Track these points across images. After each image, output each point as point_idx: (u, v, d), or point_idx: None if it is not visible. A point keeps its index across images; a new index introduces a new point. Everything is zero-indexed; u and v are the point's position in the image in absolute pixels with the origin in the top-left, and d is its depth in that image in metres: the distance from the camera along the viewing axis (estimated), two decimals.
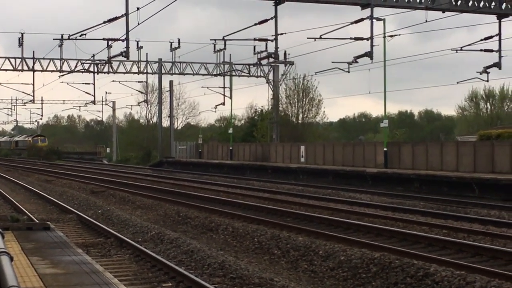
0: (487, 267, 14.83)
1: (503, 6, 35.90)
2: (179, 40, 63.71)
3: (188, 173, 59.27)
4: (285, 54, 57.14)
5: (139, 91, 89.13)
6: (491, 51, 37.44)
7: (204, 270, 15.73)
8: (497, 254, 16.46)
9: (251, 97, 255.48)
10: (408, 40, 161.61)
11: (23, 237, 16.51)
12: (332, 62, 49.15)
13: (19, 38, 59.69)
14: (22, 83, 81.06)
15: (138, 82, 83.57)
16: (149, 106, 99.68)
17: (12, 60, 65.44)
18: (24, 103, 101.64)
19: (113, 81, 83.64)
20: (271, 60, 48.26)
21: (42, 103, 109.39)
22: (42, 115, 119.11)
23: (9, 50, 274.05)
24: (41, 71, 66.94)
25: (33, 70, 66.67)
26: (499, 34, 36.07)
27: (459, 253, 17.13)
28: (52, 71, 67.02)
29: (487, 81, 40.93)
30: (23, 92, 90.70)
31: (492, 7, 35.93)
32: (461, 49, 40.06)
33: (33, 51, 65.53)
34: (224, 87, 69.69)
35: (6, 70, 66.35)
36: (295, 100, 77.15)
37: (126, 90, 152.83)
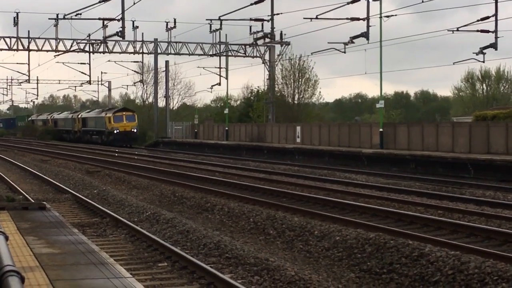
0: (482, 247, 14.86)
1: None
2: (175, 20, 63.91)
3: (184, 153, 59.24)
4: (281, 34, 57.26)
5: (134, 71, 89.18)
6: (487, 31, 37.40)
7: (199, 250, 15.77)
8: (491, 234, 16.51)
9: (247, 77, 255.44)
10: (409, 20, 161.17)
11: (18, 217, 16.49)
12: (328, 43, 49.14)
13: (14, 18, 59.77)
14: (17, 63, 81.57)
15: (134, 62, 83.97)
16: (144, 86, 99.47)
17: (8, 40, 65.59)
18: (20, 82, 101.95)
19: (108, 61, 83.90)
20: (267, 40, 48.26)
21: (37, 83, 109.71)
22: (37, 95, 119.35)
23: (5, 30, 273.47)
24: (37, 50, 67.01)
25: (29, 50, 66.71)
26: (495, 15, 36.04)
27: (454, 233, 17.16)
28: (47, 50, 67.05)
29: (483, 61, 41.01)
30: (18, 71, 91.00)
31: None
32: (458, 30, 40.02)
33: (28, 31, 65.63)
34: (220, 67, 69.84)
35: (1, 49, 66.41)
36: (291, 81, 77.09)
37: (121, 70, 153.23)
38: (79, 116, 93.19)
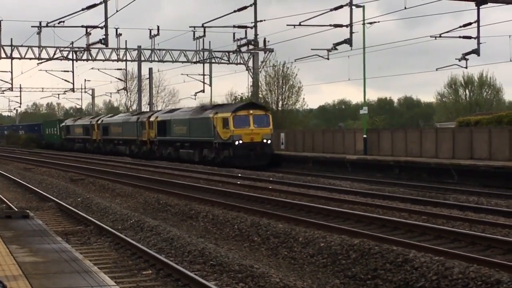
0: (466, 252, 14.93)
1: None
2: (158, 27, 63.45)
3: (168, 161, 59.11)
4: (264, 41, 57.13)
5: (118, 79, 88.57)
6: (470, 38, 37.57)
7: (184, 258, 15.75)
8: (475, 239, 16.57)
9: (231, 84, 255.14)
10: (394, 27, 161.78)
11: (2, 226, 16.43)
12: (312, 49, 49.20)
13: None
14: (0, 71, 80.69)
15: (118, 69, 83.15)
16: (128, 93, 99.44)
17: None
18: (2, 91, 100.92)
19: (92, 68, 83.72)
20: (250, 47, 48.34)
21: (20, 91, 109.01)
22: (20, 103, 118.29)
23: None
24: (19, 58, 66.44)
25: (11, 58, 66.15)
26: (478, 21, 36.16)
27: (438, 239, 17.22)
28: (30, 58, 66.50)
29: (466, 67, 41.06)
30: (1, 80, 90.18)
31: None
32: (440, 36, 40.18)
33: (11, 39, 64.96)
34: (203, 75, 69.54)
35: None
36: (275, 87, 77.13)
37: (105, 78, 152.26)
38: (155, 119, 60.29)
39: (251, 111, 46.94)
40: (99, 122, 73.19)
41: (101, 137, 71.62)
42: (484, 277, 12.32)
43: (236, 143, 44.92)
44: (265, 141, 46.41)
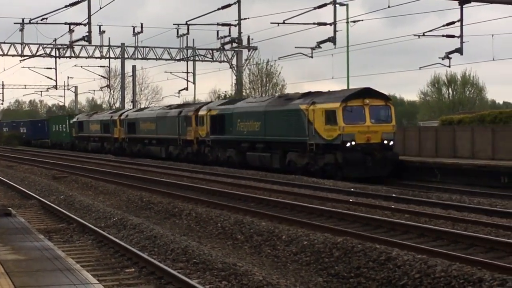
0: (448, 251, 15.01)
1: None
2: (142, 24, 63.52)
3: (151, 159, 58.60)
4: (248, 39, 57.30)
5: (101, 76, 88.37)
6: (453, 36, 37.72)
7: (167, 256, 15.71)
8: (458, 238, 16.65)
9: (214, 82, 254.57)
10: (378, 25, 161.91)
11: None
12: (296, 47, 49.21)
13: None
14: None
15: (101, 67, 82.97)
16: (111, 91, 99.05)
17: None
18: None
19: (75, 66, 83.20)
20: (234, 45, 48.29)
21: (3, 88, 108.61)
22: (3, 100, 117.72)
23: None
24: (2, 55, 66.40)
25: None
26: (461, 20, 36.31)
27: (421, 237, 17.27)
28: (13, 55, 66.54)
29: (449, 66, 41.27)
30: None
31: None
32: (424, 35, 40.32)
33: None
34: (187, 72, 69.80)
35: None
36: (258, 85, 77.32)
37: (88, 75, 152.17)
38: (207, 112, 46.74)
39: (367, 101, 32.95)
40: (122, 117, 60.87)
41: (126, 135, 59.96)
42: (466, 275, 12.37)
43: (348, 145, 32.15)
44: (386, 142, 33.38)
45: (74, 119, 76.08)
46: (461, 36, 36.84)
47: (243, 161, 41.04)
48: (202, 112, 46.71)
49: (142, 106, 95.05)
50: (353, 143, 31.71)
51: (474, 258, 13.89)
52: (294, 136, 35.82)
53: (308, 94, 36.93)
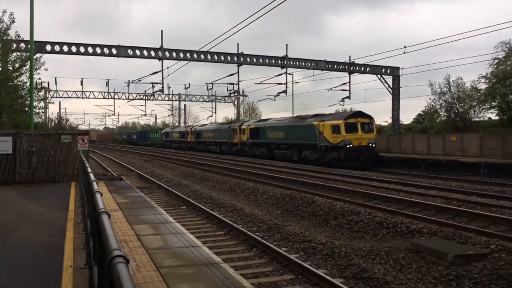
0: (344, 197, 14.63)
1: (351, 68, 36.56)
2: (189, 84, 63.60)
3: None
4: (243, 91, 57.26)
5: (169, 109, 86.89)
6: (345, 90, 37.99)
7: (201, 200, 15.77)
8: (350, 192, 15.88)
9: (225, 112, 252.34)
10: (308, 84, 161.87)
11: (108, 183, 16.39)
12: (266, 95, 49.40)
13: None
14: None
15: (168, 105, 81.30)
16: (174, 117, 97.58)
17: None
18: (107, 115, 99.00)
19: (155, 104, 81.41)
20: (235, 94, 48.22)
21: (119, 116, 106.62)
22: (118, 121, 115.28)
23: None
24: (117, 99, 64.88)
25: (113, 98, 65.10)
26: (349, 82, 36.64)
27: (330, 191, 16.49)
28: (123, 99, 65.28)
29: (343, 105, 41.71)
30: (107, 109, 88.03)
31: (345, 68, 36.61)
32: (331, 89, 40.60)
33: (114, 89, 64.12)
34: (212, 108, 69.46)
35: None
36: (248, 115, 77.57)
37: (161, 109, 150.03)
38: (247, 127, 41.37)
39: (359, 119, 29.25)
40: (192, 129, 56.01)
41: (195, 139, 54.12)
42: (348, 208, 12.50)
43: (347, 146, 28.46)
44: (370, 145, 28.86)
45: (163, 131, 71.32)
46: (349, 90, 37.02)
47: (271, 156, 36.12)
48: (244, 126, 41.86)
49: (189, 124, 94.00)
50: (350, 145, 28.24)
51: (355, 201, 13.82)
52: (308, 141, 31.27)
53: (317, 115, 32.60)
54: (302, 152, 32.11)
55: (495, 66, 34.42)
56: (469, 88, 37.29)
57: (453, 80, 37.78)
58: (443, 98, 38.06)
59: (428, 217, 11.13)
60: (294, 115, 36.75)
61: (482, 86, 35.59)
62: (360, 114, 29.50)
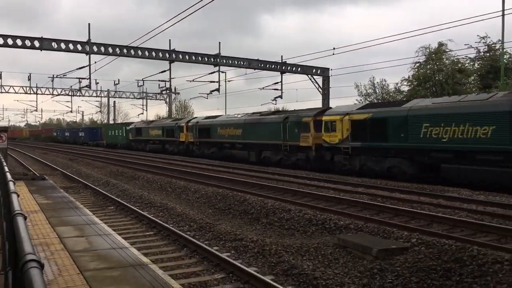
0: (275, 195, 14.83)
1: (283, 67, 37.26)
2: (119, 80, 61.40)
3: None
4: (175, 88, 56.59)
5: (97, 106, 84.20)
6: (277, 89, 38.60)
7: (131, 200, 15.40)
8: (284, 190, 16.15)
9: (157, 110, 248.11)
10: (241, 82, 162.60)
11: (29, 183, 15.55)
12: (199, 93, 49.12)
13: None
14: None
15: (96, 101, 78.57)
16: (102, 114, 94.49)
17: None
18: (31, 111, 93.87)
19: (82, 100, 78.57)
20: (167, 91, 47.43)
21: (41, 112, 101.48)
22: (42, 118, 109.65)
23: None
24: (40, 94, 61.61)
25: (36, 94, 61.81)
26: (281, 81, 37.32)
27: (262, 189, 16.68)
28: (46, 94, 61.99)
29: (275, 104, 42.31)
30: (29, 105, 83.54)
31: (277, 67, 37.24)
32: (263, 88, 40.97)
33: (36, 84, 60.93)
34: (143, 105, 67.94)
35: None
36: (180, 112, 76.75)
37: (89, 106, 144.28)
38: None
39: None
40: (190, 124, 37.57)
41: (197, 139, 35.90)
42: (279, 206, 12.71)
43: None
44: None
45: (131, 126, 51.09)
46: (281, 89, 37.67)
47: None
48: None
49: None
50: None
51: (286, 199, 14.05)
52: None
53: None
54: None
55: (416, 69, 36.52)
56: (393, 89, 39.30)
57: (377, 82, 39.65)
58: (368, 99, 39.79)
59: (354, 214, 11.57)
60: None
61: (405, 88, 37.66)
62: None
